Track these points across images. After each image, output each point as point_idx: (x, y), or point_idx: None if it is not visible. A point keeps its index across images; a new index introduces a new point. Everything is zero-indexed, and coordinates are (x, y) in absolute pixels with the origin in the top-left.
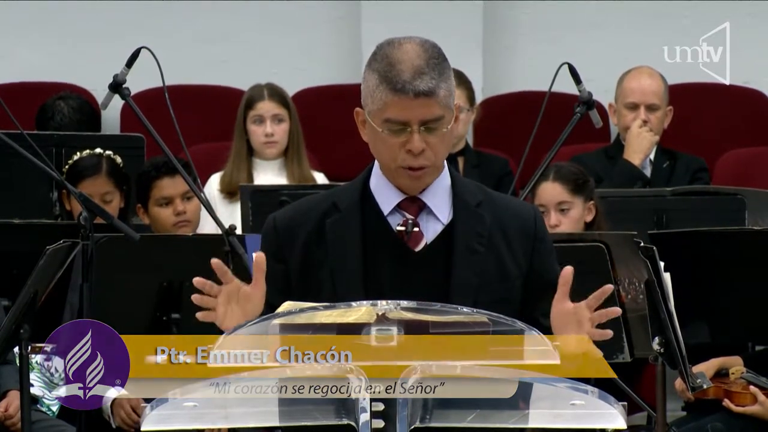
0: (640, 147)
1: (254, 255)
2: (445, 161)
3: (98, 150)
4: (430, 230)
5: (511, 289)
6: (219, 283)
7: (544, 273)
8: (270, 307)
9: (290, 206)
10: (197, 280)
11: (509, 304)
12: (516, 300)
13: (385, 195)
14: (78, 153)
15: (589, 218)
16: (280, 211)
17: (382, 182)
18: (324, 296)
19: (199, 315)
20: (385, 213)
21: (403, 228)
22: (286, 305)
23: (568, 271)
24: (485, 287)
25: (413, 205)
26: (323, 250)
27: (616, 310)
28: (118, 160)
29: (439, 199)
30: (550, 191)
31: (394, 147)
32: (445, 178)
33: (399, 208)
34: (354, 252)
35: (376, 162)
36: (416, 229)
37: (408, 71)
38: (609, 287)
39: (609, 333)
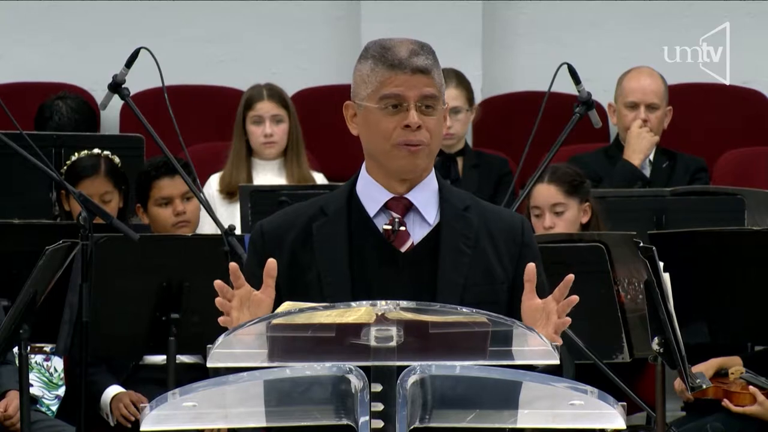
0: (640, 147)
1: (267, 261)
2: (434, 169)
3: (97, 150)
4: (417, 232)
5: (497, 292)
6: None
7: None
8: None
9: (278, 213)
10: (217, 283)
11: (495, 306)
12: (502, 303)
13: (372, 196)
14: (77, 153)
15: (584, 219)
16: (268, 218)
17: (369, 184)
18: (311, 298)
19: (220, 320)
20: (372, 214)
21: (389, 227)
22: (286, 305)
23: (531, 267)
24: (471, 288)
25: (399, 204)
26: (310, 253)
27: (573, 299)
28: (117, 160)
29: (426, 199)
30: (545, 193)
31: (390, 126)
32: (432, 182)
33: (386, 208)
34: (341, 253)
35: (363, 166)
36: (402, 228)
37: (404, 51)
38: (570, 277)
39: (568, 320)
